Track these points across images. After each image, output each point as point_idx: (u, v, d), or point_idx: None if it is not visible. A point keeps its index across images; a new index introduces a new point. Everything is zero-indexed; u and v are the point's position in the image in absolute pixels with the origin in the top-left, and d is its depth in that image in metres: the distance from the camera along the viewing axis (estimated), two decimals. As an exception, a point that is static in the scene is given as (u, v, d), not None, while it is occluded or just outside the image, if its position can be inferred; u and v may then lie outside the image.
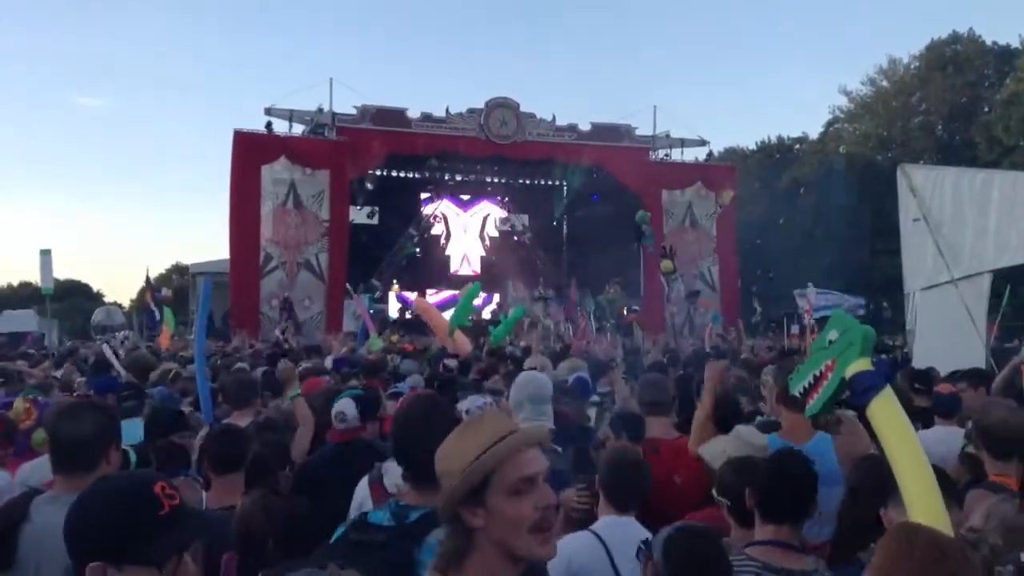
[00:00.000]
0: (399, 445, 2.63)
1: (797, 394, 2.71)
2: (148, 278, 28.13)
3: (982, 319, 8.96)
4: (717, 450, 3.74)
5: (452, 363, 10.02)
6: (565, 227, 35.22)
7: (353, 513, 3.53)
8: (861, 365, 2.41)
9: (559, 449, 4.12)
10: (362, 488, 3.64)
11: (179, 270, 38.66)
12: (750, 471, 3.16)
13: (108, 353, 9.66)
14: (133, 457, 3.47)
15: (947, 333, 9.28)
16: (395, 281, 32.25)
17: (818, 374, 2.54)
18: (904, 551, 1.82)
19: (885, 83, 43.96)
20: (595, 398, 6.72)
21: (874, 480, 2.89)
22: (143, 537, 1.79)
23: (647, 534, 3.11)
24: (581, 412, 5.70)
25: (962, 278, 9.03)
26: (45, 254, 8.42)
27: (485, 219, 35.26)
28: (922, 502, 2.18)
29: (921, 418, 5.15)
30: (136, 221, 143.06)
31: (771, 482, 2.97)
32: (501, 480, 1.76)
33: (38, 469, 3.77)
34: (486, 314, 28.50)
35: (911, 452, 2.27)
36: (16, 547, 2.74)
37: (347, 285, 22.19)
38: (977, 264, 8.97)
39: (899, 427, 2.35)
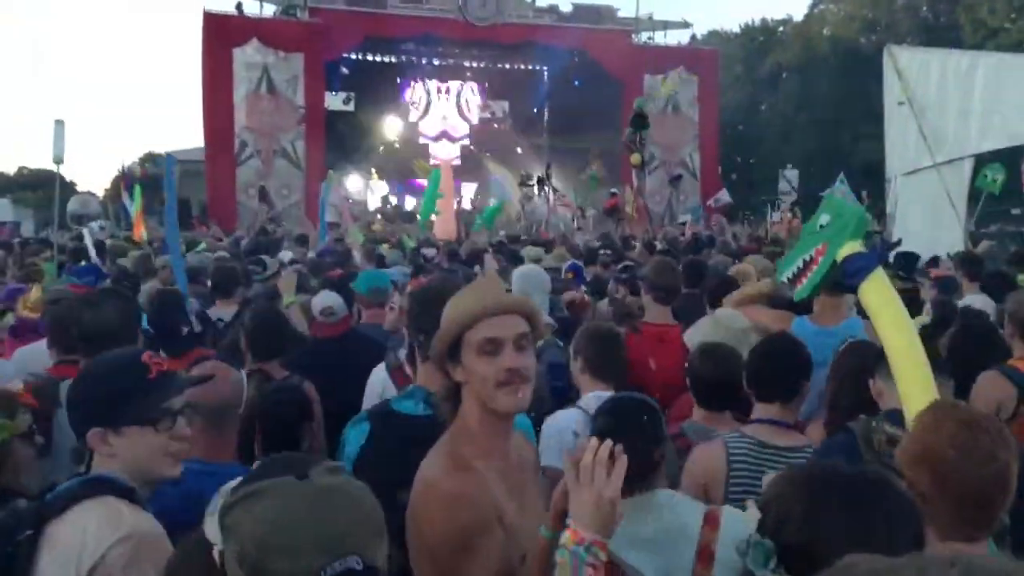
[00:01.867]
0: (421, 327, 2.61)
1: (785, 280, 2.73)
2: (123, 170, 27.55)
3: (962, 204, 9.03)
4: (697, 336, 3.80)
5: (430, 252, 10.05)
6: (546, 113, 34.64)
7: (369, 403, 3.53)
8: (853, 247, 2.43)
9: (560, 343, 4.19)
10: (379, 377, 3.63)
11: (152, 159, 37.94)
12: (712, 355, 3.26)
13: (88, 240, 9.54)
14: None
15: (927, 217, 9.37)
16: (374, 170, 31.84)
17: (808, 258, 2.55)
18: (938, 424, 1.84)
19: (872, -37, 42.81)
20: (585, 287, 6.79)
21: (856, 361, 2.95)
22: (135, 399, 1.95)
23: None
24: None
25: (944, 163, 9.04)
26: (59, 124, 8.47)
27: (464, 105, 34.58)
28: (912, 377, 2.23)
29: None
30: (108, 109, 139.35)
31: (759, 363, 3.04)
32: (470, 341, 1.97)
33: (37, 354, 3.74)
34: (465, 204, 28.29)
35: (902, 330, 2.31)
36: (51, 434, 2.81)
37: (331, 172, 21.85)
38: (959, 148, 8.98)
39: (890, 306, 2.39)
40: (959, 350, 3.57)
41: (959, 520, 1.76)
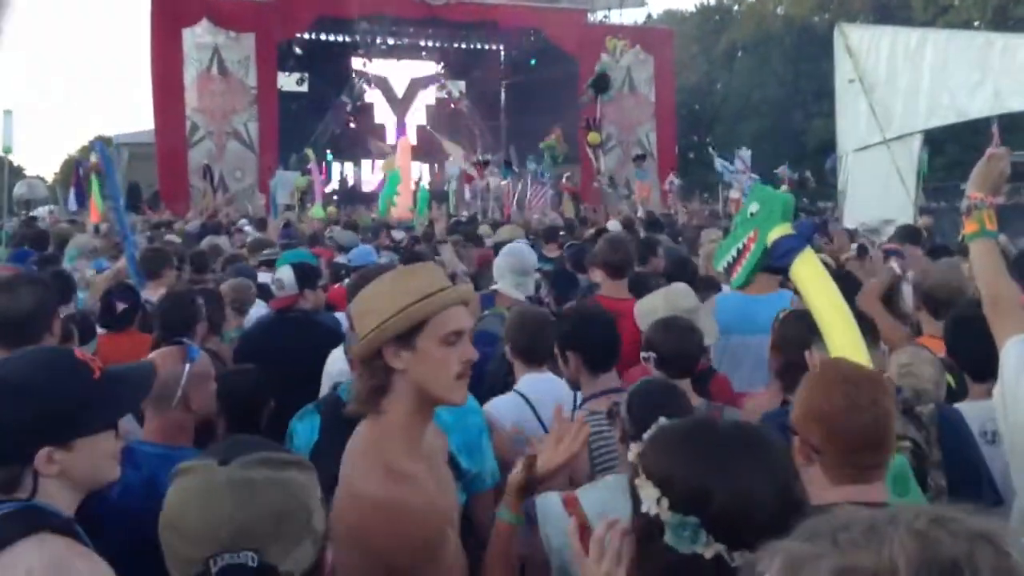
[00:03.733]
0: None
1: (721, 269, 2.81)
2: (73, 157, 26.86)
3: (912, 179, 9.17)
4: (647, 306, 3.82)
5: (399, 235, 10.02)
6: (503, 93, 34.49)
7: (326, 388, 3.52)
8: (782, 230, 2.51)
9: (504, 312, 4.18)
10: (337, 360, 3.60)
11: (102, 142, 37.18)
12: (670, 327, 3.31)
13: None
14: (74, 330, 3.41)
15: (878, 193, 9.51)
16: (328, 151, 31.49)
17: (741, 247, 2.63)
18: (823, 382, 1.97)
19: (825, -59, 43.16)
20: (539, 265, 6.79)
21: (796, 331, 2.99)
22: (87, 408, 1.71)
23: (564, 386, 3.28)
24: None
25: (894, 139, 9.17)
26: (8, 114, 8.27)
27: (419, 85, 34.32)
28: (846, 348, 2.29)
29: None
30: (56, 94, 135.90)
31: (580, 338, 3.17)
32: (435, 328, 1.89)
33: None
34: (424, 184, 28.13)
35: (833, 303, 2.39)
36: None
37: (308, 151, 21.43)
38: (909, 124, 9.11)
39: (820, 281, 2.48)
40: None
41: (850, 465, 1.87)
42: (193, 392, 2.63)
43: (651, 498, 1.33)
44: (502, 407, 3.20)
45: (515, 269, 4.55)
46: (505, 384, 3.50)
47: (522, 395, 3.26)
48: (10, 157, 8.11)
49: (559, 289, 5.19)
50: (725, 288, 4.67)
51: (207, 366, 2.79)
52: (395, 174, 14.52)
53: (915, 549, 0.75)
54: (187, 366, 2.69)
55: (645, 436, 1.46)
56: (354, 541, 1.77)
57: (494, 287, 4.65)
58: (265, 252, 7.15)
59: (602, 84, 17.91)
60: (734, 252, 2.67)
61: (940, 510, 0.81)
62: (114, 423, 1.79)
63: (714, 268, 2.92)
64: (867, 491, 1.85)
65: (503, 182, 20.69)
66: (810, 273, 2.46)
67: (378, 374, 1.91)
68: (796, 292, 4.17)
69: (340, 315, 4.42)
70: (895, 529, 0.77)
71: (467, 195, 23.20)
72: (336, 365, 3.60)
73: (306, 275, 4.47)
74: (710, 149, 18.17)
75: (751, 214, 2.61)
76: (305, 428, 2.78)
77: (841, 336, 2.36)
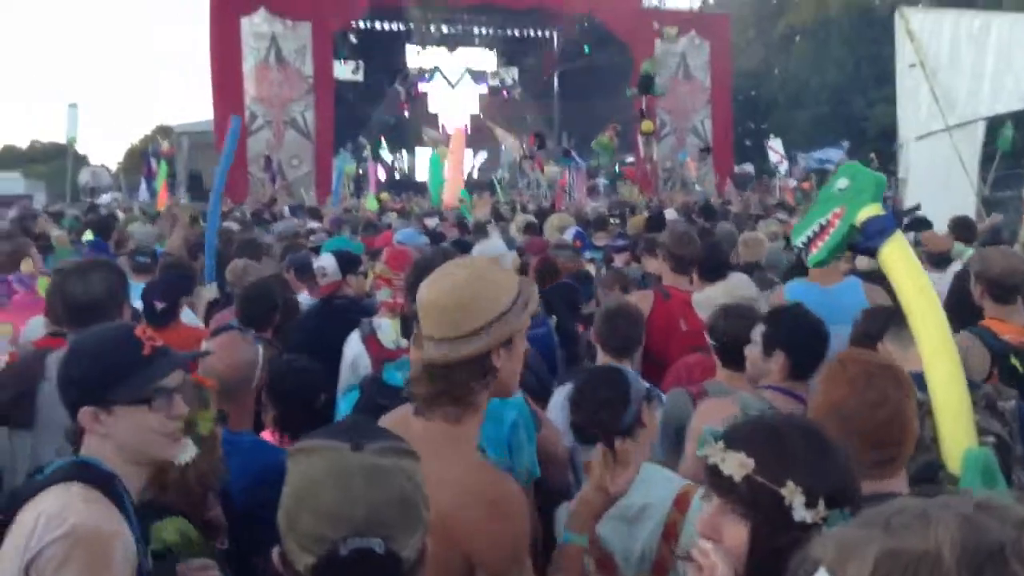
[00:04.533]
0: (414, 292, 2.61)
1: (800, 245, 2.71)
2: (144, 153, 27.40)
3: (974, 168, 8.93)
4: (704, 297, 3.83)
5: (432, 222, 10.04)
6: (556, 81, 34.37)
7: (346, 371, 3.58)
8: (873, 210, 2.39)
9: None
10: (354, 344, 3.65)
11: (163, 131, 38.00)
12: (735, 314, 3.26)
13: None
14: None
15: (939, 182, 9.28)
16: (383, 139, 31.77)
17: (824, 222, 2.53)
18: (838, 374, 1.96)
19: (887, -79, 42.06)
20: (589, 254, 6.80)
21: (879, 327, 2.95)
22: (127, 376, 1.83)
23: (643, 382, 3.22)
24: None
25: (956, 126, 8.93)
26: (72, 107, 8.55)
27: (473, 73, 34.38)
28: (934, 337, 2.24)
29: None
30: (118, 83, 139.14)
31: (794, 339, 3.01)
32: (518, 337, 1.90)
33: (36, 326, 3.69)
34: (473, 173, 28.23)
35: (923, 293, 2.31)
36: (35, 406, 2.74)
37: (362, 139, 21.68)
38: (972, 111, 8.87)
39: (911, 268, 2.38)
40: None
41: (867, 461, 1.82)
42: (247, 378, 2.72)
43: (801, 505, 1.37)
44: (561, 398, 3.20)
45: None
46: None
47: None
48: (74, 146, 8.33)
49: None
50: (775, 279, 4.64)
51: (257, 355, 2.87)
52: (435, 157, 14.47)
53: (962, 533, 0.76)
54: (259, 349, 2.78)
55: (738, 448, 1.43)
56: (500, 526, 1.79)
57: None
58: (312, 238, 7.27)
59: (646, 84, 17.78)
60: (816, 227, 2.54)
61: (990, 497, 0.82)
62: (149, 398, 1.84)
63: (793, 243, 2.84)
64: (889, 484, 1.84)
65: (560, 169, 20.69)
66: (902, 259, 2.34)
67: (481, 372, 1.84)
68: (864, 278, 4.17)
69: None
70: (944, 514, 0.79)
71: (519, 183, 23.24)
72: (354, 349, 3.65)
73: (348, 262, 4.57)
74: (771, 136, 17.95)
75: (839, 189, 2.50)
76: (346, 404, 2.84)
77: (929, 325, 2.26)
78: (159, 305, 4.20)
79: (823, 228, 2.54)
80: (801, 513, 1.35)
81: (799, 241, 2.67)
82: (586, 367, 3.28)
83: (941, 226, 7.20)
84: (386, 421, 1.95)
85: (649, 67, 18.27)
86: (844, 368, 1.98)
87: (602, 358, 3.49)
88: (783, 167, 17.87)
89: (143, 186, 22.21)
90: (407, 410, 1.97)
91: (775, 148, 20.19)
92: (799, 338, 2.98)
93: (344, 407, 2.79)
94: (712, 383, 3.29)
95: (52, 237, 8.13)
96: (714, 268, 4.37)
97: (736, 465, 1.39)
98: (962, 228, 6.38)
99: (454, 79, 34.25)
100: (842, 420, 1.86)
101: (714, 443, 1.44)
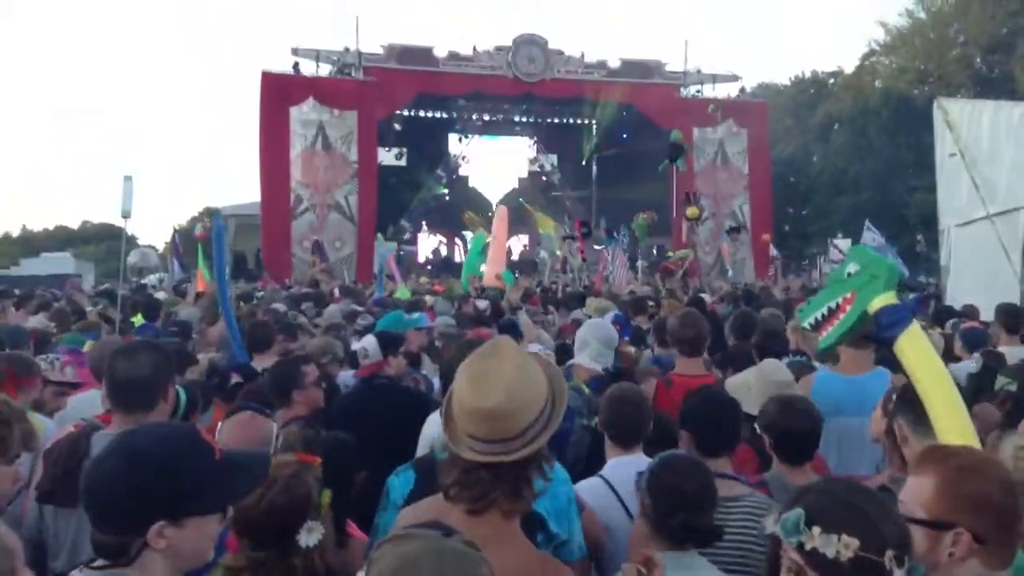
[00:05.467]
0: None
1: (808, 326, 2.71)
2: (175, 232, 28.02)
3: (1018, 255, 8.82)
4: (740, 382, 3.78)
5: (483, 304, 10.12)
6: (594, 166, 34.89)
7: (424, 449, 3.55)
8: (887, 299, 2.41)
9: (582, 386, 4.23)
10: (434, 425, 3.62)
11: (210, 213, 39.09)
12: (791, 406, 3.16)
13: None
14: (183, 395, 3.44)
15: (982, 270, 9.18)
16: (424, 223, 32.31)
17: (834, 306, 2.53)
18: (976, 468, 1.89)
19: (923, 14, 42.64)
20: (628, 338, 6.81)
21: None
22: (205, 488, 1.71)
23: None
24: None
25: (998, 214, 8.87)
26: (128, 180, 8.84)
27: (513, 159, 35.09)
28: (953, 428, 2.21)
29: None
30: (166, 165, 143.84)
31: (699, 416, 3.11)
32: None
33: (89, 402, 3.80)
34: (514, 256, 28.49)
35: (941, 384, 2.28)
36: (75, 487, 2.77)
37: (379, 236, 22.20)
38: (1013, 199, 8.80)
39: (928, 360, 2.35)
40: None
41: (1011, 547, 1.87)
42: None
43: (895, 567, 1.51)
44: (586, 492, 3.12)
45: (601, 340, 4.58)
46: (588, 460, 3.48)
47: (606, 480, 3.20)
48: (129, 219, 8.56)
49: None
50: (818, 366, 4.59)
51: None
52: (480, 237, 14.58)
53: None
54: (274, 427, 2.81)
55: (834, 530, 1.54)
56: None
57: (571, 361, 4.69)
58: (359, 322, 7.38)
59: (675, 152, 17.86)
60: (824, 311, 2.59)
61: None
62: (226, 507, 1.82)
63: (800, 324, 2.82)
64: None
65: (603, 249, 20.81)
66: (918, 350, 2.36)
67: (537, 468, 1.98)
68: (893, 370, 4.11)
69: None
70: None
71: (557, 265, 23.38)
72: (433, 428, 3.63)
73: (389, 343, 4.64)
74: (867, 223, 17.85)
75: (848, 274, 2.53)
76: (401, 483, 2.84)
77: (948, 416, 2.26)
78: (235, 378, 4.27)
79: (832, 313, 2.57)
80: (897, 573, 1.50)
81: (807, 323, 2.68)
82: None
83: (987, 315, 7.12)
84: (422, 513, 1.99)
85: (677, 136, 18.36)
86: (974, 461, 1.98)
87: (611, 450, 3.37)
88: (833, 253, 17.77)
89: (174, 264, 22.67)
90: (440, 503, 2.00)
91: (839, 247, 19.96)
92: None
93: (400, 485, 2.79)
94: (773, 475, 3.17)
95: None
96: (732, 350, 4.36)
97: (841, 547, 1.50)
98: (1008, 316, 6.28)
99: (495, 166, 34.96)
100: (998, 512, 1.84)
101: (808, 530, 1.54)
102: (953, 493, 1.82)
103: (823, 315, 2.56)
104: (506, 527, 1.92)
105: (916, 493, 1.83)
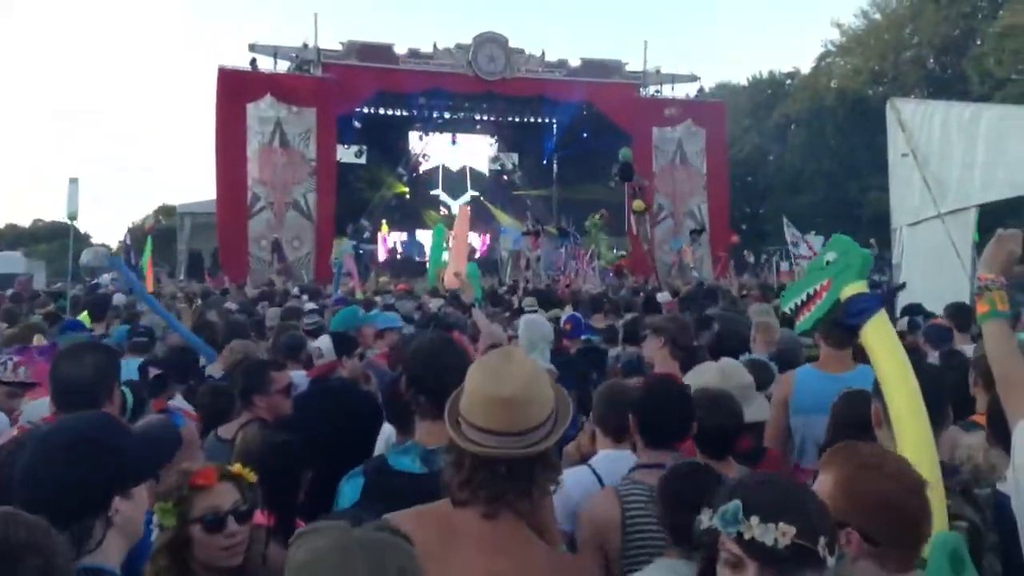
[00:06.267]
0: (421, 387, 2.57)
1: (788, 311, 2.78)
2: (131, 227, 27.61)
3: (968, 254, 8.98)
4: (700, 380, 3.78)
5: (436, 304, 10.07)
6: (555, 165, 34.99)
7: (381, 450, 3.56)
8: (857, 288, 2.47)
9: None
10: (387, 435, 3.65)
11: (165, 211, 38.52)
12: (714, 401, 3.20)
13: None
14: (129, 396, 3.39)
15: (932, 268, 9.33)
16: (384, 221, 32.12)
17: (812, 292, 2.62)
18: (870, 467, 1.90)
19: (878, 15, 43.38)
20: (587, 336, 6.83)
21: (857, 411, 2.94)
22: (140, 454, 1.88)
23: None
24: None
25: (948, 213, 9.02)
26: (73, 182, 8.64)
27: (473, 157, 35.04)
28: (908, 419, 2.24)
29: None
30: (120, 162, 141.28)
31: (645, 407, 3.06)
32: None
33: (42, 407, 3.72)
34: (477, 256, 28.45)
35: (902, 374, 2.33)
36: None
37: (344, 238, 22.07)
38: (964, 199, 8.95)
39: (892, 349, 2.42)
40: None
41: (912, 552, 1.88)
42: (184, 457, 2.66)
43: (828, 553, 1.58)
44: (573, 478, 3.13)
45: (546, 339, 4.73)
46: None
47: (593, 470, 3.26)
48: (76, 224, 8.41)
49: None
50: (773, 367, 4.62)
51: (193, 433, 2.86)
52: (439, 228, 14.45)
53: None
54: (192, 426, 2.79)
55: (773, 519, 1.57)
56: None
57: None
58: (307, 321, 7.26)
59: (626, 172, 18.05)
60: (804, 296, 2.66)
61: None
62: (157, 471, 1.95)
63: (782, 308, 2.90)
64: None
65: (560, 249, 20.89)
66: (883, 339, 2.43)
67: (551, 465, 1.93)
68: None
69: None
70: None
71: (522, 262, 23.42)
72: (388, 428, 3.67)
73: (344, 344, 4.57)
74: (784, 219, 18.06)
75: (827, 262, 2.60)
76: (350, 488, 2.80)
77: (905, 407, 2.31)
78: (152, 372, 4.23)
79: (810, 298, 2.65)
80: (829, 560, 1.55)
81: (788, 307, 2.77)
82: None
83: (937, 312, 7.24)
84: (423, 517, 1.92)
85: (627, 154, 18.48)
86: (866, 459, 1.97)
87: (602, 441, 3.41)
88: (802, 248, 17.93)
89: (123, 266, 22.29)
90: (445, 507, 1.94)
91: (812, 245, 20.30)
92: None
93: (349, 491, 2.74)
94: None
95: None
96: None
97: (779, 535, 1.54)
98: (959, 314, 6.38)
99: (455, 164, 34.85)
100: (896, 513, 1.86)
101: (746, 520, 1.57)
102: (848, 491, 1.84)
103: (802, 300, 2.65)
104: (523, 529, 1.89)
105: (819, 490, 1.83)
